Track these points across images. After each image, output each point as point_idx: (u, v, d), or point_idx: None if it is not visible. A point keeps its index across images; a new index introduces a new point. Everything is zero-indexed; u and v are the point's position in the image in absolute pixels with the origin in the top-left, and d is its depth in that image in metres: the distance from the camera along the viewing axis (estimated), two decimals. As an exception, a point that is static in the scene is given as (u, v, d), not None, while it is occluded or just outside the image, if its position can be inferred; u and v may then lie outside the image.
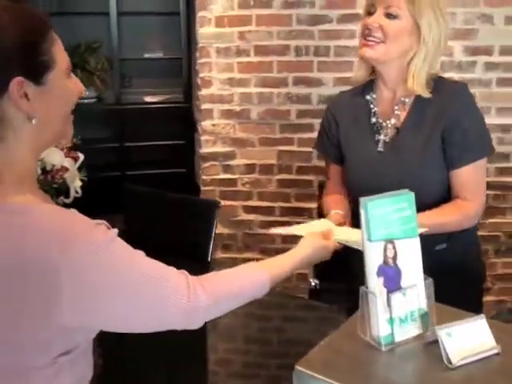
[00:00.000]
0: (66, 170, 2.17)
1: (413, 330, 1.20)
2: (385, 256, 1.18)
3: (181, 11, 4.19)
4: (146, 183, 2.71)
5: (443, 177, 1.66)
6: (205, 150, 3.26)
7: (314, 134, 3.16)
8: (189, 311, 1.03)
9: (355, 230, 1.54)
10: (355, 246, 1.39)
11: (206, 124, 3.23)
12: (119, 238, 1.00)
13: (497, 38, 2.94)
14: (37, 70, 0.97)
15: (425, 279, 1.22)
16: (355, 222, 1.79)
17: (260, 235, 3.26)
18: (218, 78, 3.16)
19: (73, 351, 1.00)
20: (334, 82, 3.10)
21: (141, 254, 1.03)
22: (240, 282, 1.15)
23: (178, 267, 2.36)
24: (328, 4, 3.02)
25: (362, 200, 1.17)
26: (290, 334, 1.88)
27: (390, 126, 1.69)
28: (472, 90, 1.71)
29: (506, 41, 2.94)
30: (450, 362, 1.11)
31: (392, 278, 1.19)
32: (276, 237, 3.29)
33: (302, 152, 3.20)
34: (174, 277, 1.04)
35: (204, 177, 3.28)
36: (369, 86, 1.77)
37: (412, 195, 1.20)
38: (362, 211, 1.16)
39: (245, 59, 3.12)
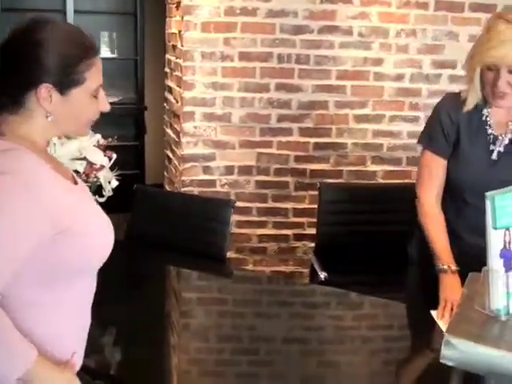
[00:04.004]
0: (102, 168, 2.19)
1: (520, 303, 1.43)
2: (504, 241, 1.39)
3: (137, 12, 4.21)
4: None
5: None
6: (185, 151, 3.33)
7: (293, 138, 3.37)
8: None
9: None
10: None
11: (187, 126, 3.30)
12: None
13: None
14: (64, 84, 1.21)
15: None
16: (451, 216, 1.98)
17: (237, 234, 3.37)
18: (202, 82, 3.25)
19: None
20: (312, 88, 3.30)
21: None
22: None
23: (196, 266, 2.38)
24: (310, 15, 3.22)
25: (489, 194, 1.37)
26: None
27: (505, 138, 1.92)
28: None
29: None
30: None
31: (509, 260, 1.40)
32: (252, 236, 3.43)
33: (280, 155, 3.36)
34: None
35: (184, 178, 3.35)
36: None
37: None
38: (488, 203, 1.36)
39: (229, 64, 3.24)
